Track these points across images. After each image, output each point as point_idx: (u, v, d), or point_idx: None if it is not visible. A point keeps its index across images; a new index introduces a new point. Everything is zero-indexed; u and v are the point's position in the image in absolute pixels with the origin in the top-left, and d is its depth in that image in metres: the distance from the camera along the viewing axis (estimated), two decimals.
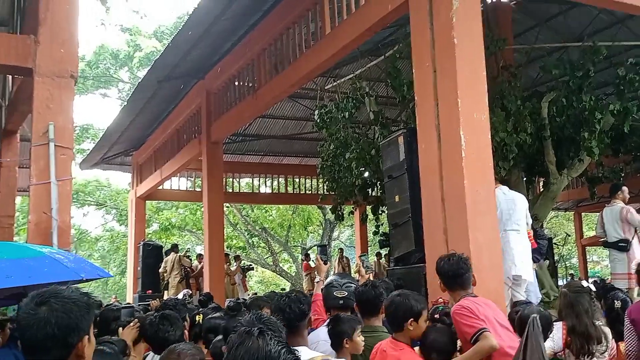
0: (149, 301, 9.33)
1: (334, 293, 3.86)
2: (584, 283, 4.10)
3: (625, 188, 8.00)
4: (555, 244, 11.51)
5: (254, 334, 1.59)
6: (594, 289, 4.10)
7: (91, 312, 1.88)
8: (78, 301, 1.83)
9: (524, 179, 10.21)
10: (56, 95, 4.95)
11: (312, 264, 16.67)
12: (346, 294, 3.86)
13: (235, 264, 15.56)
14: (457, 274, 3.52)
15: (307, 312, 2.92)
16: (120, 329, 3.64)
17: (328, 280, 3.92)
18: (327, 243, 20.66)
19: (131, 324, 3.63)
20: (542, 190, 10.75)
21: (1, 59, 5.07)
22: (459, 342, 3.39)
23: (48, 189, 4.70)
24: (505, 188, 6.32)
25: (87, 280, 3.40)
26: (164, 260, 13.89)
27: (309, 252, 21.09)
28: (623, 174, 11.26)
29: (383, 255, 15.30)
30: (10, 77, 9.33)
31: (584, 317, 3.73)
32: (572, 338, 3.72)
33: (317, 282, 4.50)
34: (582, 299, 3.82)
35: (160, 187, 15.42)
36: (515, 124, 8.67)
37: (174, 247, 14.39)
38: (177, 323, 3.27)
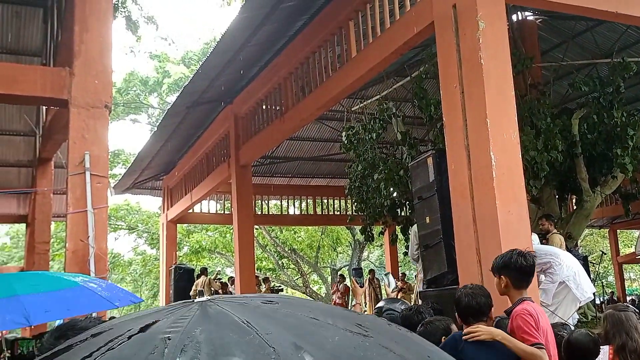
0: None
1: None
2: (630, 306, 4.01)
3: None
4: (591, 262, 11.27)
5: None
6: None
7: None
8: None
9: (556, 197, 10.07)
10: (91, 125, 5.09)
11: (342, 287, 16.64)
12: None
13: (264, 285, 15.58)
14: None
15: None
16: None
17: (380, 305, 3.86)
18: (359, 266, 20.52)
19: None
20: (575, 208, 10.59)
21: (38, 91, 5.23)
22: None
23: (85, 217, 4.81)
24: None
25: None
26: (195, 284, 13.99)
27: (340, 273, 20.98)
28: None
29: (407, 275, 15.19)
30: (43, 107, 9.62)
31: (635, 333, 3.64)
32: (620, 356, 3.62)
33: (354, 305, 4.47)
34: (631, 316, 3.75)
35: (191, 211, 15.58)
36: (545, 142, 8.58)
37: (204, 271, 14.50)
38: None
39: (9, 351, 2.99)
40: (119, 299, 3.34)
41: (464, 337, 3.08)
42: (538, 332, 3.07)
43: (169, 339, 0.71)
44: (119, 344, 0.72)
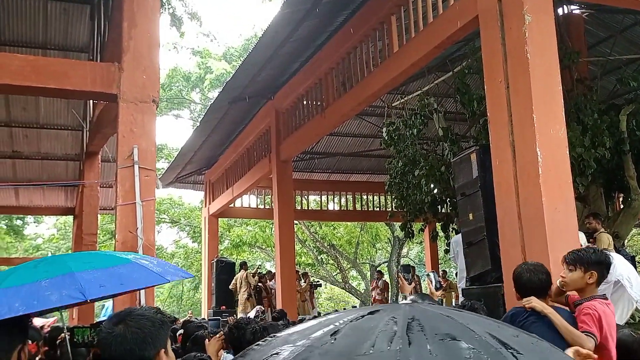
0: (225, 317, 9.51)
1: None
2: None
3: None
4: (638, 262, 10.96)
5: None
6: None
7: (165, 327, 1.97)
8: (151, 318, 1.94)
9: (603, 195, 9.82)
10: (139, 120, 5.21)
11: (382, 283, 16.62)
12: None
13: (304, 280, 15.67)
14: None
15: None
16: (207, 340, 3.77)
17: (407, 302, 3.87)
18: (408, 264, 20.44)
19: (217, 335, 3.75)
20: (622, 206, 10.31)
21: (88, 85, 5.37)
22: None
23: (133, 209, 4.93)
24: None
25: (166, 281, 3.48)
26: (235, 278, 14.18)
27: (379, 269, 20.93)
28: None
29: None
30: (90, 101, 9.87)
31: None
32: None
33: (401, 302, 4.46)
34: None
35: (232, 205, 15.77)
36: (592, 139, 8.38)
37: (243, 265, 14.67)
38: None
39: (69, 335, 3.09)
40: (170, 274, 3.41)
41: (522, 303, 3.15)
42: (596, 327, 3.08)
43: (395, 320, 0.70)
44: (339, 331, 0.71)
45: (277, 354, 0.67)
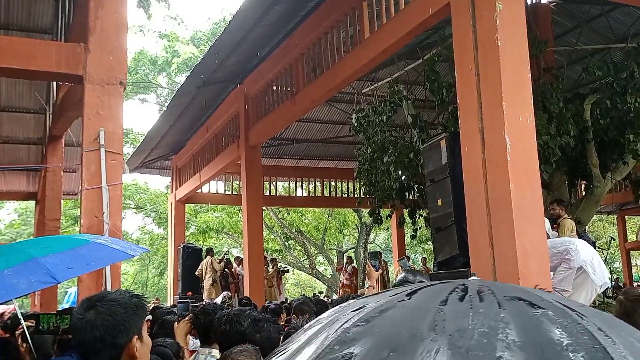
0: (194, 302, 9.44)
1: None
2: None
3: None
4: (599, 248, 11.26)
5: None
6: None
7: (140, 312, 1.93)
8: (124, 303, 1.89)
9: (566, 182, 10.03)
10: (106, 102, 5.08)
11: (351, 268, 16.73)
12: None
13: (271, 266, 15.67)
14: None
15: None
16: (176, 323, 3.73)
17: (400, 277, 3.83)
18: (376, 250, 20.57)
19: (186, 318, 3.72)
20: (584, 193, 10.55)
21: (52, 66, 5.21)
22: None
23: (99, 193, 4.82)
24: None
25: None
26: (201, 264, 14.12)
27: (348, 255, 21.03)
28: None
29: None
30: (54, 84, 9.61)
31: None
32: None
33: (368, 287, 4.49)
34: (638, 308, 3.73)
35: (199, 191, 15.63)
36: (558, 127, 8.53)
37: (209, 251, 14.60)
38: (246, 320, 3.32)
39: (33, 324, 3.02)
40: (131, 249, 3.36)
41: None
42: None
43: (465, 286, 0.74)
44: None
45: (361, 307, 0.72)
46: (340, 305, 0.79)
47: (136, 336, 1.88)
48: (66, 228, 21.07)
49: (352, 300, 0.79)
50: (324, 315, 0.76)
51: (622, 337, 0.63)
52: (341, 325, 0.68)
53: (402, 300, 0.72)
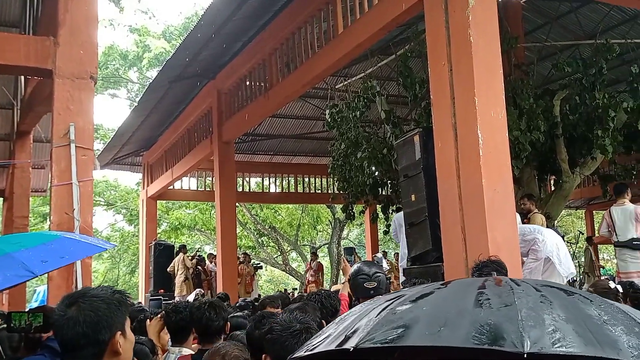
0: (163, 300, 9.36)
1: (364, 284, 3.75)
2: (612, 284, 4.06)
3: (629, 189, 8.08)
4: (567, 242, 11.45)
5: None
6: (621, 289, 4.01)
7: (123, 308, 1.91)
8: (106, 299, 1.87)
9: (536, 177, 10.18)
10: (76, 97, 4.98)
11: (316, 264, 16.74)
12: (376, 284, 3.78)
13: (247, 262, 15.62)
14: None
15: (339, 308, 2.94)
16: (148, 320, 3.68)
17: (355, 268, 3.82)
18: (351, 246, 20.62)
19: (158, 315, 3.67)
20: (554, 188, 10.73)
21: (21, 60, 5.10)
22: None
23: (69, 189, 4.72)
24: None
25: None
26: (173, 261, 14.03)
27: (313, 251, 21.05)
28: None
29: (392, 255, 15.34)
30: (22, 78, 9.40)
31: None
32: None
33: (343, 283, 4.48)
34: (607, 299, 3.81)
35: (171, 187, 15.48)
36: (528, 122, 8.64)
37: (182, 248, 14.53)
38: (222, 313, 3.30)
39: (5, 324, 2.96)
40: (100, 243, 3.33)
41: None
42: None
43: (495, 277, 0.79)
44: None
45: (397, 297, 0.76)
46: (369, 300, 0.85)
47: (119, 332, 1.86)
48: (34, 225, 20.68)
49: (377, 297, 0.85)
50: (355, 309, 0.80)
51: None
52: (384, 309, 0.74)
53: (439, 288, 0.77)
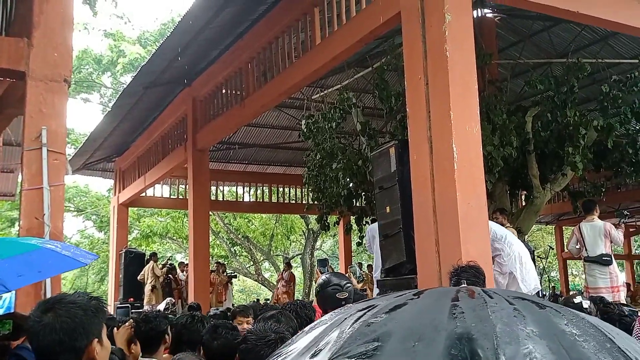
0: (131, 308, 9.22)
1: (337, 295, 3.74)
2: (578, 298, 4.11)
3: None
4: (537, 257, 11.62)
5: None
6: (586, 305, 4.03)
7: (100, 315, 1.89)
8: (83, 305, 1.84)
9: (508, 192, 10.32)
10: (49, 100, 4.89)
11: (287, 275, 16.67)
12: (347, 294, 3.77)
13: (218, 272, 15.47)
14: None
15: (314, 318, 2.93)
16: (115, 328, 3.61)
17: (323, 278, 3.80)
18: (325, 257, 20.60)
19: (126, 323, 3.60)
20: (525, 204, 10.88)
21: None
22: None
23: (40, 194, 4.63)
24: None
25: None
26: (144, 269, 13.84)
27: (287, 261, 20.99)
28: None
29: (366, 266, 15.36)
30: None
31: None
32: None
33: None
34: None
35: (143, 194, 15.29)
36: (501, 138, 8.77)
37: (153, 256, 14.35)
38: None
39: None
40: (82, 256, 3.24)
41: None
42: None
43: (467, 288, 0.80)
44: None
45: (370, 307, 0.75)
46: (339, 309, 0.82)
47: (96, 339, 1.84)
48: (2, 230, 20.24)
49: (348, 305, 0.82)
50: (325, 317, 0.79)
51: (617, 332, 0.71)
52: (356, 321, 0.71)
53: (412, 298, 0.76)
